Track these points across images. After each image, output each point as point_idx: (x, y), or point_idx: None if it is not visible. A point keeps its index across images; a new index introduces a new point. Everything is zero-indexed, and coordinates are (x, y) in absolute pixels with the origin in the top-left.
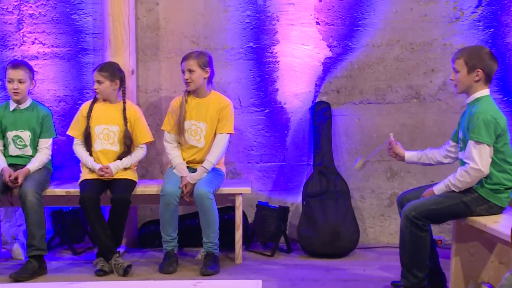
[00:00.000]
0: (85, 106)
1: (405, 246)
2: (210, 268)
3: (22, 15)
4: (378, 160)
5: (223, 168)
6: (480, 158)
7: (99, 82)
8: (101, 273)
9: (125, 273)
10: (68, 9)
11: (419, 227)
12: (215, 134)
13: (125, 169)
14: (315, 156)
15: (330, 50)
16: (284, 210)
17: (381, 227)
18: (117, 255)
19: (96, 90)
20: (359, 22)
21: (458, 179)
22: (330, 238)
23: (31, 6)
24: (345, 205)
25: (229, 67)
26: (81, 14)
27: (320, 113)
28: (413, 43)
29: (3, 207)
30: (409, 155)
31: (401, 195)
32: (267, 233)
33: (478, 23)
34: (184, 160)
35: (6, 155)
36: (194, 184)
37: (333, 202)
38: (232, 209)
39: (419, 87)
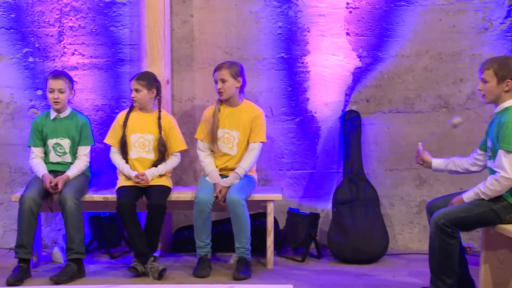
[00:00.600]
0: (121, 115)
1: (434, 252)
2: (242, 272)
3: (62, 28)
4: (407, 168)
5: (255, 175)
6: (510, 167)
7: (137, 90)
8: (132, 270)
9: (160, 276)
10: (106, 22)
11: (448, 234)
12: (247, 142)
13: (160, 176)
14: (345, 164)
15: (360, 60)
16: (315, 216)
17: (410, 234)
18: (152, 259)
19: (134, 99)
20: (389, 33)
21: (488, 187)
22: (360, 244)
23: (71, 19)
24: (374, 212)
25: (261, 77)
26: (119, 26)
27: (350, 122)
28: (442, 53)
29: (44, 212)
30: (436, 162)
31: (430, 203)
32: (298, 239)
33: (507, 34)
34: (217, 167)
35: (46, 162)
36: (227, 188)
37: (363, 209)
38: (263, 215)
39: (448, 97)
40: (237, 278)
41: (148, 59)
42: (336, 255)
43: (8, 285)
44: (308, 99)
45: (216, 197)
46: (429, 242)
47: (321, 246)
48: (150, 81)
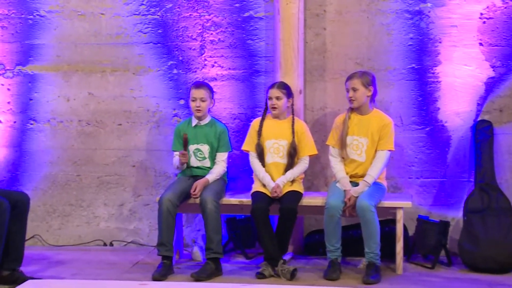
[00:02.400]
0: (255, 122)
1: None
2: (371, 277)
3: (204, 42)
4: None
5: (384, 183)
6: None
7: (278, 98)
8: (260, 276)
9: (292, 276)
10: (244, 35)
11: None
12: (376, 150)
13: (293, 181)
14: (476, 173)
15: (493, 70)
16: (445, 224)
17: None
18: (282, 262)
19: (274, 106)
20: None
21: None
22: (492, 254)
23: (212, 33)
24: (507, 221)
25: (391, 87)
26: (255, 39)
27: (482, 132)
28: None
29: (185, 213)
30: None
31: None
32: (427, 246)
33: None
34: (347, 174)
35: (188, 166)
36: (357, 197)
37: (495, 218)
38: (393, 221)
39: None
40: (366, 282)
41: (282, 70)
42: (467, 263)
43: (154, 279)
44: (438, 108)
45: (345, 203)
46: None
47: (451, 254)
48: (289, 89)
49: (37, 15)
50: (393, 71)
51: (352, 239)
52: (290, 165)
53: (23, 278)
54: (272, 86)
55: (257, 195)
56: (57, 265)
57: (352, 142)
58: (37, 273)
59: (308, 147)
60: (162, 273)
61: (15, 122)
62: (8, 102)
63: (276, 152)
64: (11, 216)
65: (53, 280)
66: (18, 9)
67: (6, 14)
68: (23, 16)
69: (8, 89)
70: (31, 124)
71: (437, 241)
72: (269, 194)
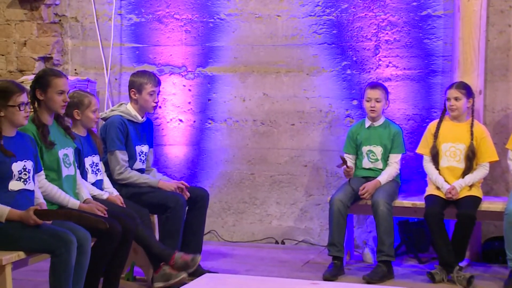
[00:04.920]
0: (432, 125)
1: None
2: None
3: (379, 42)
4: None
5: None
6: None
7: (456, 98)
8: (429, 275)
9: (469, 283)
10: (420, 34)
11: None
12: None
13: (471, 186)
14: None
15: None
16: None
17: None
18: (458, 268)
19: (453, 107)
20: None
21: None
22: None
23: (387, 33)
24: None
25: None
26: (433, 38)
27: None
28: None
29: (356, 214)
30: None
31: None
32: None
33: None
34: None
35: (359, 167)
36: None
37: None
38: None
39: None
40: None
41: (460, 70)
42: None
43: (324, 279)
44: None
45: None
46: None
47: None
48: (469, 90)
49: (218, 18)
50: None
51: None
52: (468, 169)
53: (201, 271)
54: (450, 87)
55: (431, 199)
56: (232, 260)
57: None
58: (213, 267)
59: (488, 153)
60: (332, 273)
61: (194, 121)
62: (189, 102)
63: (452, 156)
64: (192, 210)
65: (229, 275)
66: (201, 13)
67: (190, 19)
68: (204, 20)
69: (189, 90)
70: (209, 123)
71: None
72: (444, 197)
